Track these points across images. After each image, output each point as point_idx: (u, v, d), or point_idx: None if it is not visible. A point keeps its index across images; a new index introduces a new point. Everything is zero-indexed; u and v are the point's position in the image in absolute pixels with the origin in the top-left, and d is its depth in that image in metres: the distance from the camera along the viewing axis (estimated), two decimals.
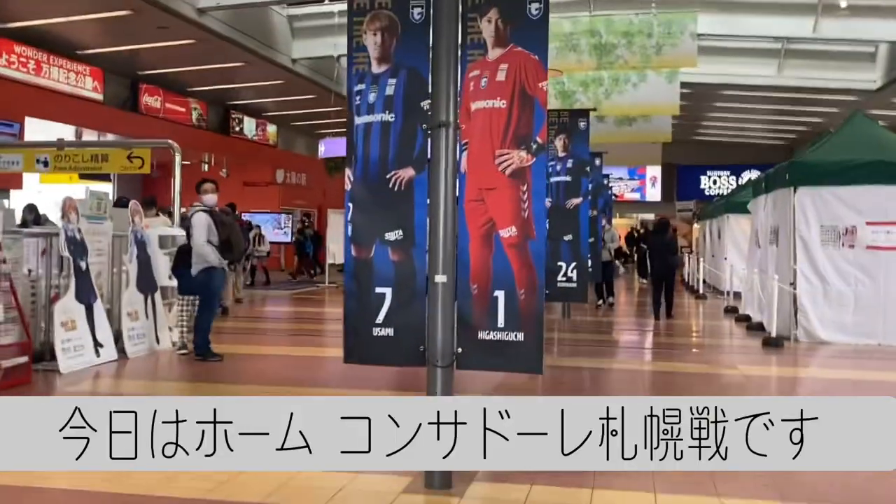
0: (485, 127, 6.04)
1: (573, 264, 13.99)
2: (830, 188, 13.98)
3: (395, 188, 6.15)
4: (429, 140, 5.96)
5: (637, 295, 26.40)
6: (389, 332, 6.16)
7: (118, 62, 24.11)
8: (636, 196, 47.76)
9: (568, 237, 14.12)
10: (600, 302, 19.90)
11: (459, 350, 5.94)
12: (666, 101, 22.11)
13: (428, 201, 6.01)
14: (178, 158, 13.88)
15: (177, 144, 13.90)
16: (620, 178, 45.62)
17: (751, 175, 35.47)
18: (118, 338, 11.71)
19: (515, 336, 5.96)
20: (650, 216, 42.42)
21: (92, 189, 12.32)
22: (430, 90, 6.00)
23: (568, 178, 14.33)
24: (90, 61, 23.50)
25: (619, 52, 19.25)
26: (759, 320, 16.10)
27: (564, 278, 13.98)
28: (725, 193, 35.18)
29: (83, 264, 11.12)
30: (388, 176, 6.16)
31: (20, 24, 20.13)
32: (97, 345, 11.10)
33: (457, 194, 5.99)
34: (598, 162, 20.33)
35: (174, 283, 12.25)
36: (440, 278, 5.84)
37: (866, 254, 13.91)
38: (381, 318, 6.19)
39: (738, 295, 20.34)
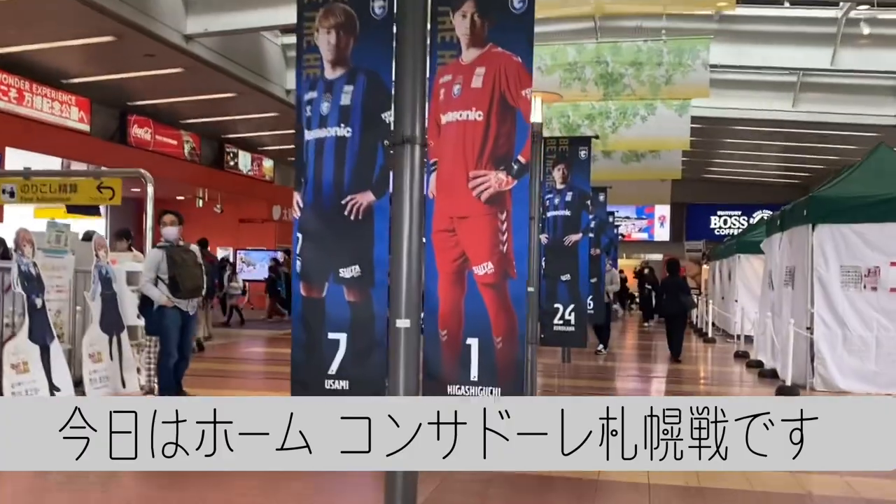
0: (457, 143, 5.15)
1: (571, 306, 13.22)
2: (852, 225, 13.14)
3: (352, 216, 5.24)
4: (391, 159, 5.01)
5: (641, 339, 25.46)
6: (344, 385, 5.30)
7: (105, 92, 23.30)
8: (644, 236, 47.15)
9: (566, 277, 13.38)
10: (600, 347, 18.91)
11: None
12: (676, 135, 21.24)
13: (389, 232, 5.07)
14: (150, 189, 13.03)
15: (148, 174, 13.04)
16: (628, 217, 45.06)
17: (763, 215, 34.78)
18: (79, 381, 10.90)
19: (491, 391, 5.11)
20: (658, 256, 41.82)
21: (50, 221, 11.58)
22: (392, 99, 5.06)
23: (567, 213, 13.55)
24: (76, 90, 22.70)
25: (626, 82, 18.44)
26: (771, 367, 15.35)
27: (561, 321, 13.23)
28: (736, 234, 34.52)
29: (38, 301, 10.35)
30: (343, 202, 5.26)
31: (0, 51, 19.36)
32: (53, 388, 10.25)
33: (423, 224, 5.04)
34: (601, 197, 19.67)
35: (143, 322, 11.43)
36: (403, 323, 4.93)
37: (890, 297, 13.03)
38: (334, 368, 5.35)
39: (748, 339, 19.70)
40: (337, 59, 5.29)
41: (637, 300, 36.31)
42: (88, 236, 12.51)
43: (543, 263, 12.79)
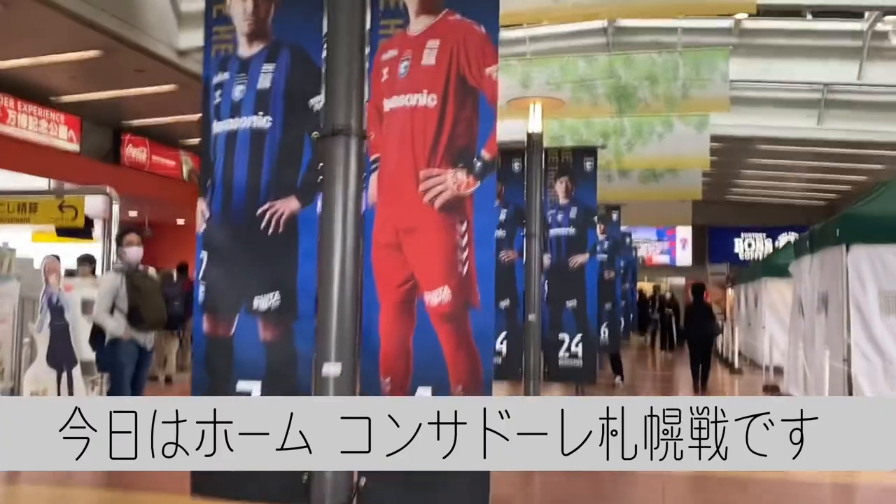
0: (404, 135, 4.09)
1: (578, 336, 12.08)
2: (891, 246, 12.00)
3: (270, 229, 4.19)
4: (320, 155, 3.93)
5: (661, 368, 24.31)
6: None
7: (98, 110, 22.42)
8: (665, 259, 46.13)
9: (571, 303, 12.33)
10: (618, 379, 17.74)
11: (363, 481, 3.90)
12: (695, 153, 20.24)
13: (318, 249, 3.99)
14: (115, 209, 12.11)
15: (114, 192, 12.16)
16: (648, 240, 44.09)
17: (789, 238, 33.78)
18: None
19: None
20: (680, 280, 40.91)
21: None
22: (323, 80, 4.00)
23: (571, 231, 12.57)
24: (67, 109, 21.83)
25: (640, 96, 17.43)
26: None
27: (567, 354, 12.15)
28: (761, 258, 33.46)
29: None
30: (259, 211, 4.19)
31: None
32: None
33: (362, 238, 3.96)
34: (615, 216, 18.65)
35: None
36: (332, 368, 3.98)
37: None
38: None
39: (777, 370, 18.50)
40: (254, 31, 4.26)
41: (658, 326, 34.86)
42: None
43: (546, 287, 11.82)
